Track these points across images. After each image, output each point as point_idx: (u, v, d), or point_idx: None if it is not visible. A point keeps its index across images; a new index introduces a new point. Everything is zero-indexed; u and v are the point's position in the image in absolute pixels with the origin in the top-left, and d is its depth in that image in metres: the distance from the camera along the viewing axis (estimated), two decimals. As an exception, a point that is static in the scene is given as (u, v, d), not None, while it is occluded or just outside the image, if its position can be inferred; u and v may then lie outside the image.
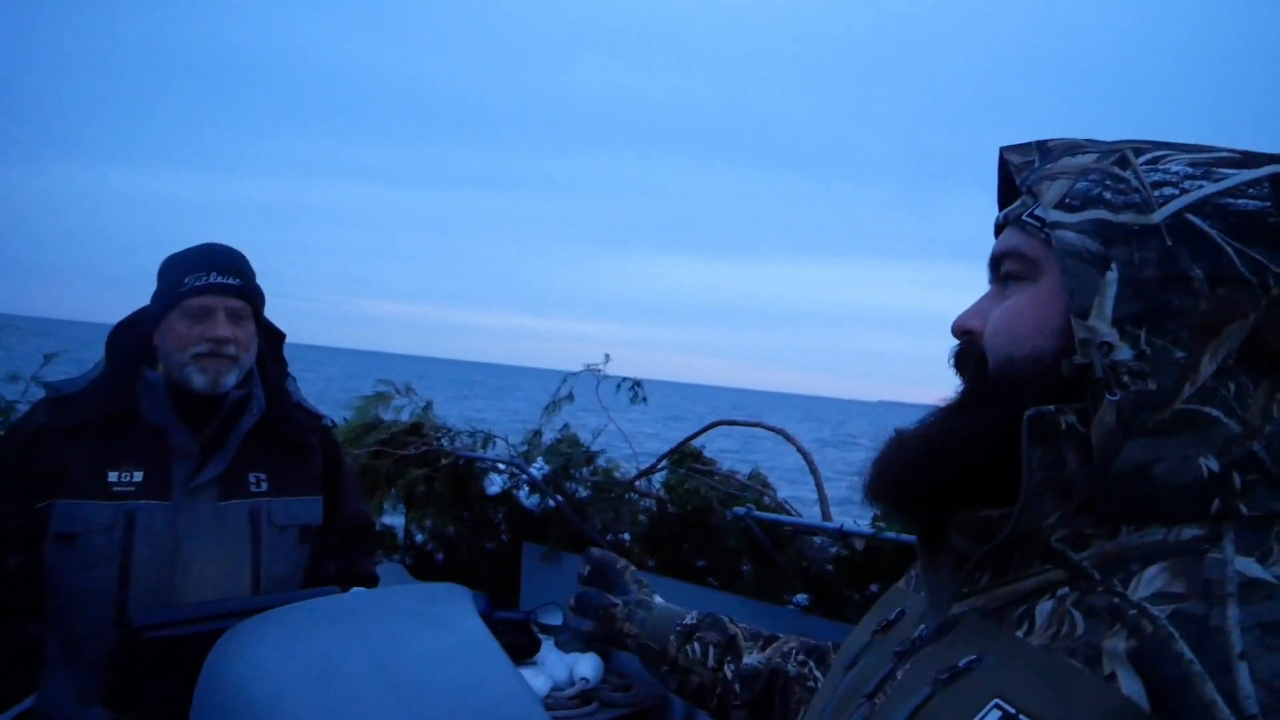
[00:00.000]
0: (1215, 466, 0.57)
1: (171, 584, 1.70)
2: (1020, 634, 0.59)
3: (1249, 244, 0.58)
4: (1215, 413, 0.57)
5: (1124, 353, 0.58)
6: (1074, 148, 0.67)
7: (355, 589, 1.64)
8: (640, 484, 3.23)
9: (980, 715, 0.56)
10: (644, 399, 3.67)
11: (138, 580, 1.68)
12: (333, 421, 3.93)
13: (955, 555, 0.69)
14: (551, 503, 3.48)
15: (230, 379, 1.77)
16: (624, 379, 3.69)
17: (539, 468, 3.46)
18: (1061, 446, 0.59)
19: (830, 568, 2.65)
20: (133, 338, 1.81)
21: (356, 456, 3.44)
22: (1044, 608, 0.59)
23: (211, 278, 1.74)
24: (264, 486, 1.84)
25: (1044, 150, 0.68)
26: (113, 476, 1.70)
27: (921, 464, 0.67)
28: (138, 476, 1.71)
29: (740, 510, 2.76)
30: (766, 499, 2.94)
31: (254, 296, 1.83)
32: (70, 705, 1.67)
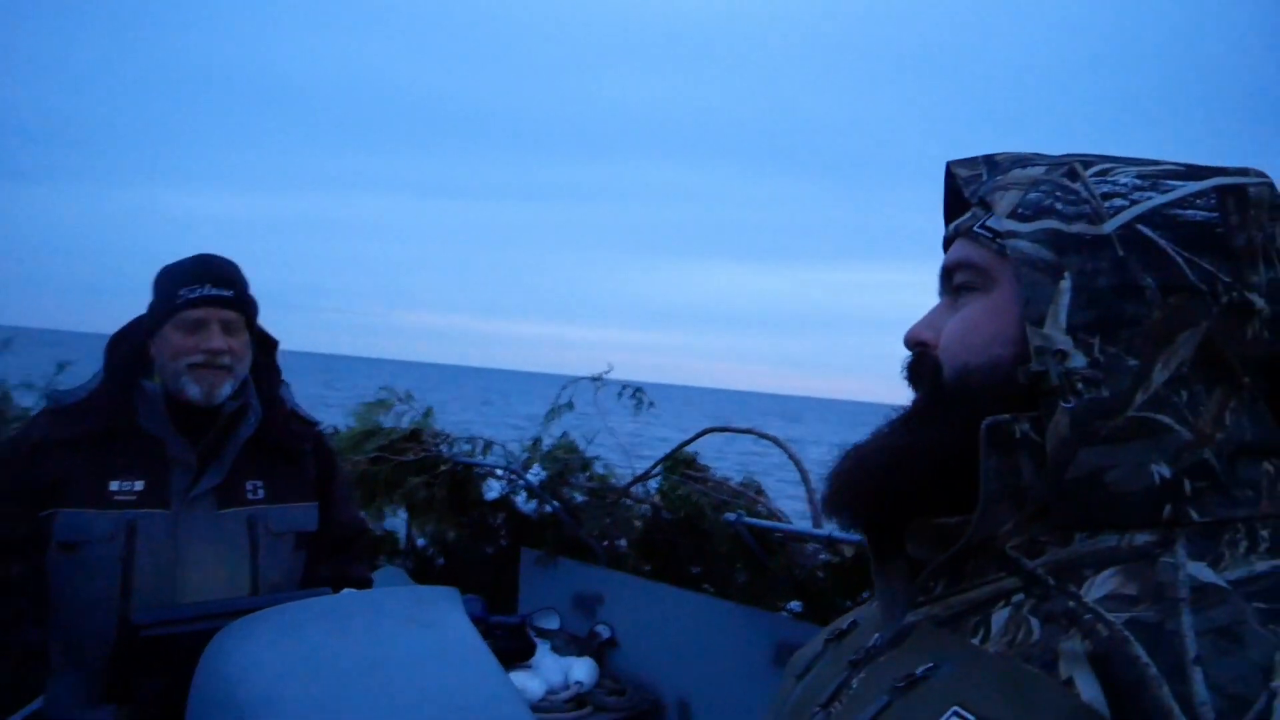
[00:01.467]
0: (1167, 473, 0.57)
1: (172, 591, 1.72)
2: (976, 641, 0.59)
3: (1198, 254, 0.59)
4: (1167, 420, 0.57)
5: (1078, 360, 0.58)
6: (1022, 160, 0.68)
7: (346, 590, 1.68)
8: (636, 490, 3.26)
9: None
10: (651, 403, 3.70)
11: (139, 588, 1.71)
12: (334, 428, 3.99)
13: (909, 564, 0.69)
14: (548, 508, 3.52)
15: (225, 389, 1.79)
16: (624, 385, 3.73)
17: (535, 474, 3.50)
18: (1017, 455, 0.60)
19: (821, 575, 2.68)
20: (129, 348, 1.83)
21: (356, 463, 3.49)
22: (1000, 615, 0.59)
23: (205, 290, 1.76)
24: (261, 494, 1.86)
25: (991, 164, 0.69)
26: (114, 486, 1.73)
27: (880, 475, 0.67)
28: (138, 486, 1.74)
29: (731, 517, 2.79)
30: (760, 506, 2.97)
31: (247, 307, 1.85)
32: (75, 709, 1.71)
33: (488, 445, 3.89)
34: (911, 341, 0.71)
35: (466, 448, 3.82)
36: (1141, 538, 0.57)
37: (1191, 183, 0.61)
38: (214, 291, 1.77)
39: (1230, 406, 0.59)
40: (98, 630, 1.69)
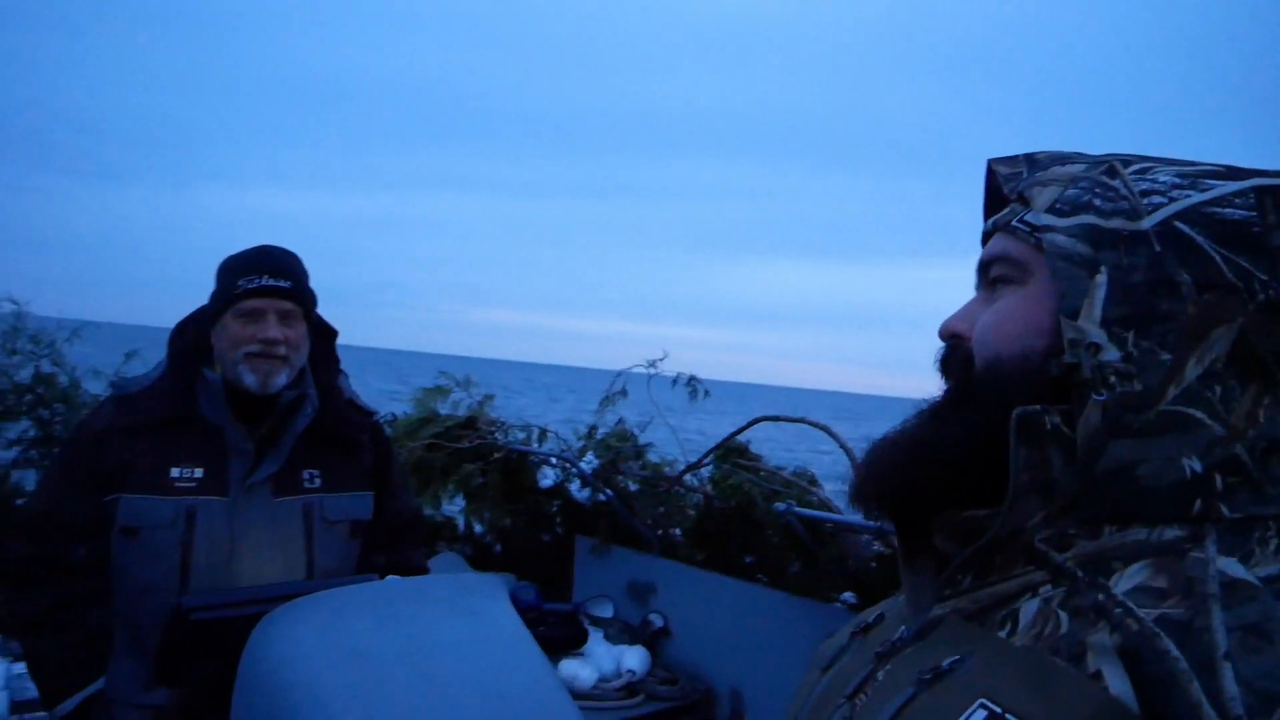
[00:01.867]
0: (1198, 468, 0.57)
1: (229, 577, 1.77)
2: (1003, 635, 0.59)
3: (1235, 251, 0.59)
4: (1199, 414, 0.57)
5: (1111, 354, 0.59)
6: (1062, 158, 0.68)
7: (391, 576, 1.69)
8: (688, 479, 3.25)
9: (966, 715, 0.55)
10: (706, 392, 3.68)
11: (197, 573, 1.75)
12: (393, 415, 4.05)
13: (936, 557, 0.69)
14: (602, 496, 3.53)
15: (280, 379, 1.81)
16: (679, 375, 3.71)
17: (589, 462, 3.51)
18: (1047, 447, 0.60)
19: (874, 566, 2.64)
20: (191, 338, 1.87)
21: (412, 449, 3.54)
22: (1028, 608, 0.59)
23: (263, 280, 1.79)
24: (317, 483, 1.89)
25: (1032, 161, 0.70)
26: (175, 473, 1.77)
27: (908, 465, 0.67)
28: (198, 473, 1.78)
29: (781, 506, 2.76)
30: (812, 496, 2.93)
31: (305, 298, 1.87)
32: (136, 689, 1.76)
33: (543, 433, 3.91)
34: (946, 333, 0.71)
35: (521, 435, 3.84)
36: (1171, 532, 0.57)
37: (1231, 182, 0.61)
38: (271, 282, 1.80)
39: (1264, 403, 0.58)
40: (157, 613, 1.74)
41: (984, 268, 0.71)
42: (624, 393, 3.63)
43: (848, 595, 2.71)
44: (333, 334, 2.04)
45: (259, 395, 1.80)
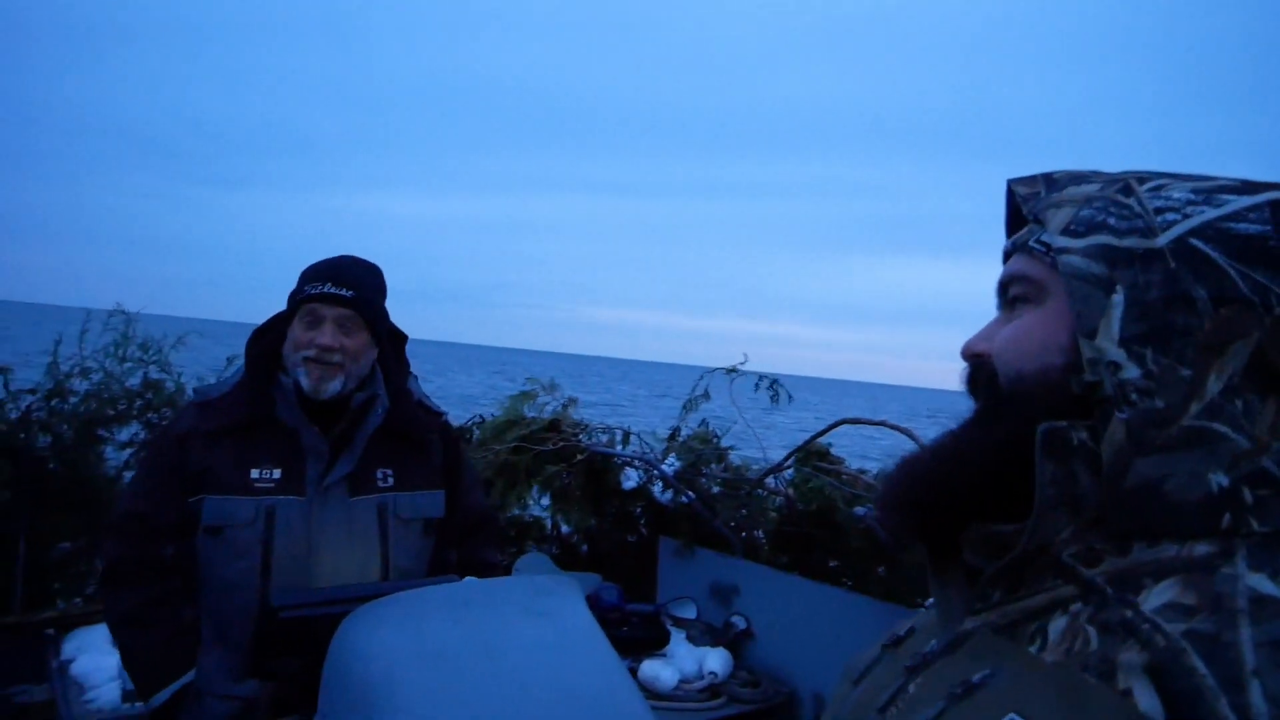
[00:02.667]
0: (1225, 482, 0.57)
1: (307, 574, 1.83)
2: (1033, 650, 0.60)
3: (1251, 266, 0.59)
4: (1223, 429, 0.57)
5: (1131, 371, 0.59)
6: (1079, 178, 0.69)
7: (469, 578, 1.73)
8: (770, 481, 3.22)
9: None
10: (790, 396, 3.65)
11: (277, 569, 1.82)
12: (480, 418, 4.14)
13: (966, 571, 0.69)
14: (684, 499, 3.53)
15: (333, 385, 1.86)
16: (761, 376, 3.69)
17: (671, 464, 3.52)
18: (1073, 462, 0.60)
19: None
20: (267, 344, 1.95)
21: (498, 451, 3.60)
22: (1057, 624, 0.59)
23: (326, 288, 1.86)
24: (390, 482, 1.95)
25: (1049, 181, 0.70)
26: (254, 474, 1.84)
27: (933, 478, 0.68)
28: (276, 474, 1.85)
29: (861, 510, 2.72)
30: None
31: (365, 308, 1.91)
32: (224, 681, 1.85)
33: (626, 435, 3.94)
34: (968, 353, 0.73)
35: (604, 438, 3.88)
36: (1201, 548, 0.57)
37: (1245, 197, 0.62)
38: (333, 290, 1.86)
39: None
40: (240, 609, 1.81)
41: (1003, 287, 0.72)
42: (706, 395, 3.63)
43: (932, 601, 2.65)
44: (403, 338, 2.11)
45: (310, 398, 1.86)
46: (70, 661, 2.85)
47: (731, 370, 3.49)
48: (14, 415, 3.27)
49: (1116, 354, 0.60)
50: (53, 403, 3.36)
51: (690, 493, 3.44)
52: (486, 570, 2.01)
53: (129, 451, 3.52)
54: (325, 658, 1.45)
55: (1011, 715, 0.56)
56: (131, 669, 1.89)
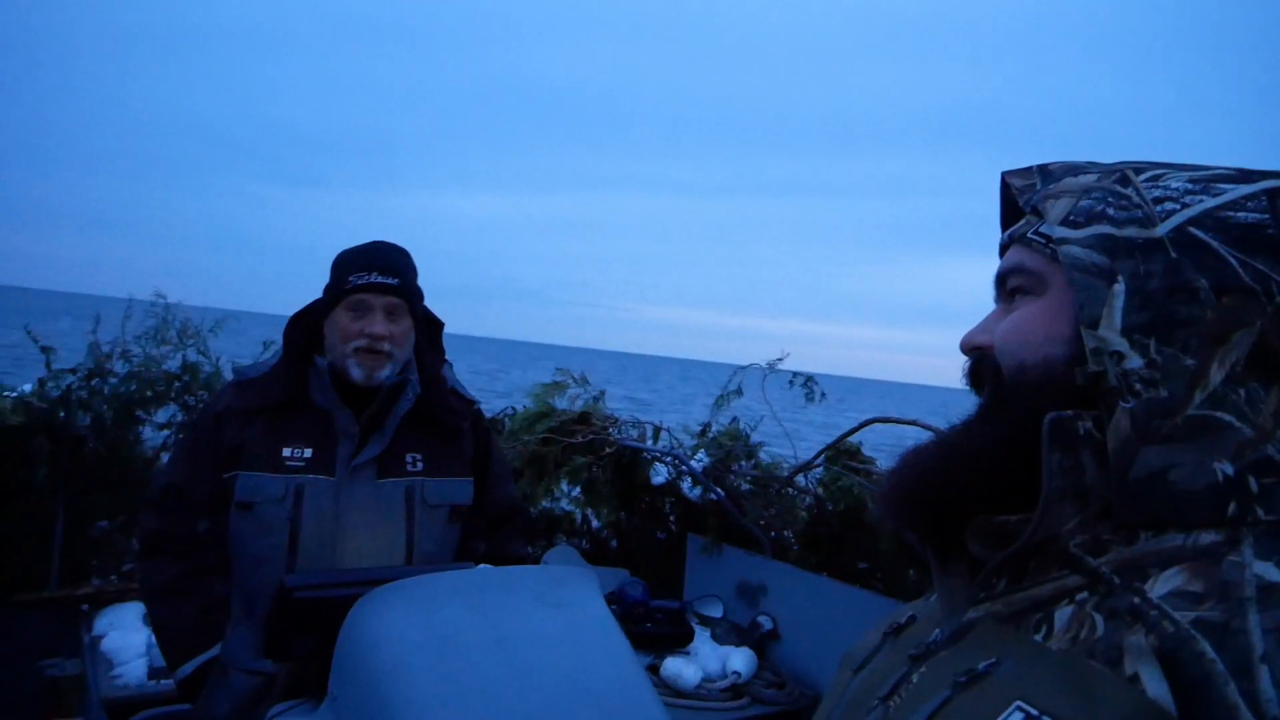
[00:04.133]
0: (1230, 470, 0.57)
1: (334, 553, 1.85)
2: (1039, 638, 0.59)
3: (1251, 254, 0.59)
4: (1227, 418, 0.58)
5: (1134, 361, 0.59)
6: (1075, 169, 0.69)
7: (483, 565, 1.72)
8: (799, 480, 3.18)
9: (1002, 717, 0.56)
10: (823, 394, 3.61)
11: (304, 547, 1.84)
12: (511, 409, 4.15)
13: (969, 561, 0.69)
14: (713, 495, 3.50)
15: (384, 372, 1.89)
16: (795, 374, 3.65)
17: (699, 460, 3.48)
18: (1080, 452, 0.60)
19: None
20: (304, 328, 1.97)
21: (527, 442, 3.60)
22: (1063, 612, 0.59)
23: (373, 277, 1.87)
24: (419, 467, 1.96)
25: (1045, 173, 0.71)
26: (286, 452, 1.87)
27: (940, 470, 0.67)
28: (307, 453, 1.88)
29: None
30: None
31: (411, 295, 1.94)
32: (249, 656, 1.87)
33: (657, 430, 3.92)
34: (968, 346, 0.72)
35: (634, 433, 3.86)
36: (1207, 537, 0.57)
37: (1243, 185, 0.62)
38: (380, 279, 1.87)
39: None
40: (267, 585, 1.83)
41: (1001, 279, 0.72)
42: (739, 392, 3.60)
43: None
44: (439, 326, 2.11)
45: (363, 385, 1.88)
46: (101, 637, 2.91)
47: (770, 366, 3.45)
48: (55, 394, 3.34)
49: (1119, 343, 0.60)
50: (93, 383, 3.42)
51: (719, 490, 3.41)
52: (514, 562, 2.00)
53: (166, 433, 3.58)
54: (337, 638, 1.45)
55: (1017, 703, 0.55)
56: (162, 640, 1.93)
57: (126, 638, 2.87)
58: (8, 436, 3.18)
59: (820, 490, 3.14)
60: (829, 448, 3.16)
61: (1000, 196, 0.78)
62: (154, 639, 2.82)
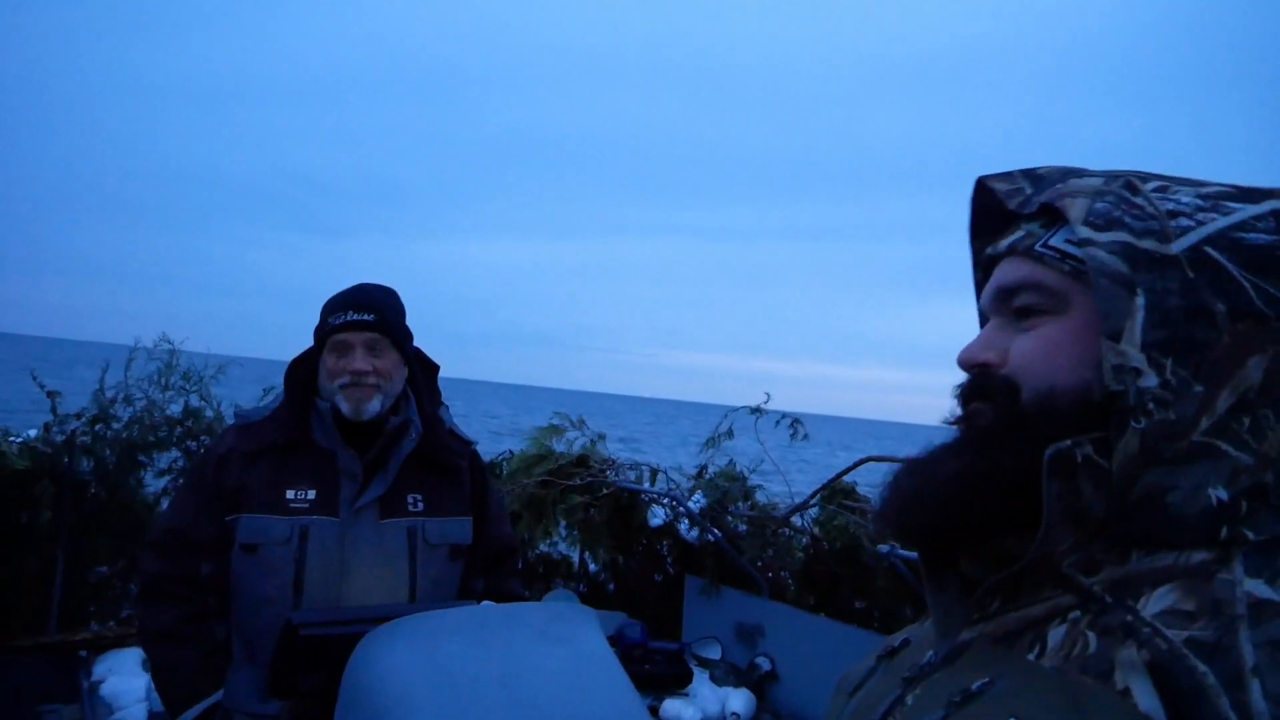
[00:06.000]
0: (1224, 496, 0.57)
1: (338, 593, 1.86)
2: (1032, 657, 0.59)
3: (1263, 278, 0.58)
4: (1226, 446, 0.57)
5: (1150, 380, 0.58)
6: (1071, 172, 0.67)
7: (485, 602, 1.75)
8: (795, 520, 3.21)
9: None
10: (806, 435, 3.64)
11: (310, 588, 1.85)
12: (509, 452, 4.17)
13: (962, 581, 0.68)
14: (710, 537, 3.52)
15: (373, 405, 1.91)
16: (783, 415, 3.68)
17: (696, 501, 3.51)
18: (1078, 479, 0.60)
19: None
20: (304, 371, 2.00)
21: (525, 485, 3.63)
22: (1056, 632, 0.59)
23: (349, 316, 1.91)
24: (420, 507, 1.98)
25: (1035, 177, 0.68)
26: (290, 494, 1.88)
27: (953, 501, 0.65)
28: (311, 494, 1.89)
29: (884, 548, 2.69)
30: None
31: (390, 329, 1.96)
32: (252, 700, 1.86)
33: (654, 473, 3.94)
34: (970, 363, 0.69)
35: (632, 475, 3.88)
36: (1199, 555, 0.57)
37: (1250, 205, 0.61)
38: (356, 316, 1.91)
39: None
40: (271, 626, 1.84)
41: (1004, 294, 0.68)
42: (730, 434, 3.64)
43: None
44: (435, 369, 2.15)
45: (353, 421, 1.90)
46: (100, 682, 2.91)
47: (758, 409, 3.49)
48: (59, 438, 3.37)
49: (1139, 359, 0.58)
50: (96, 428, 3.45)
51: (716, 530, 3.43)
52: (512, 600, 2.02)
53: (167, 479, 3.60)
54: (342, 676, 1.47)
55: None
56: (161, 685, 1.92)
57: (126, 683, 2.86)
58: (13, 481, 3.20)
59: (816, 530, 3.16)
60: (824, 487, 3.19)
61: (972, 204, 0.75)
62: (153, 684, 2.82)
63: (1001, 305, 0.69)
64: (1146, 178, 0.64)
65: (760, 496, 3.50)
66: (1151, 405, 0.58)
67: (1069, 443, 0.60)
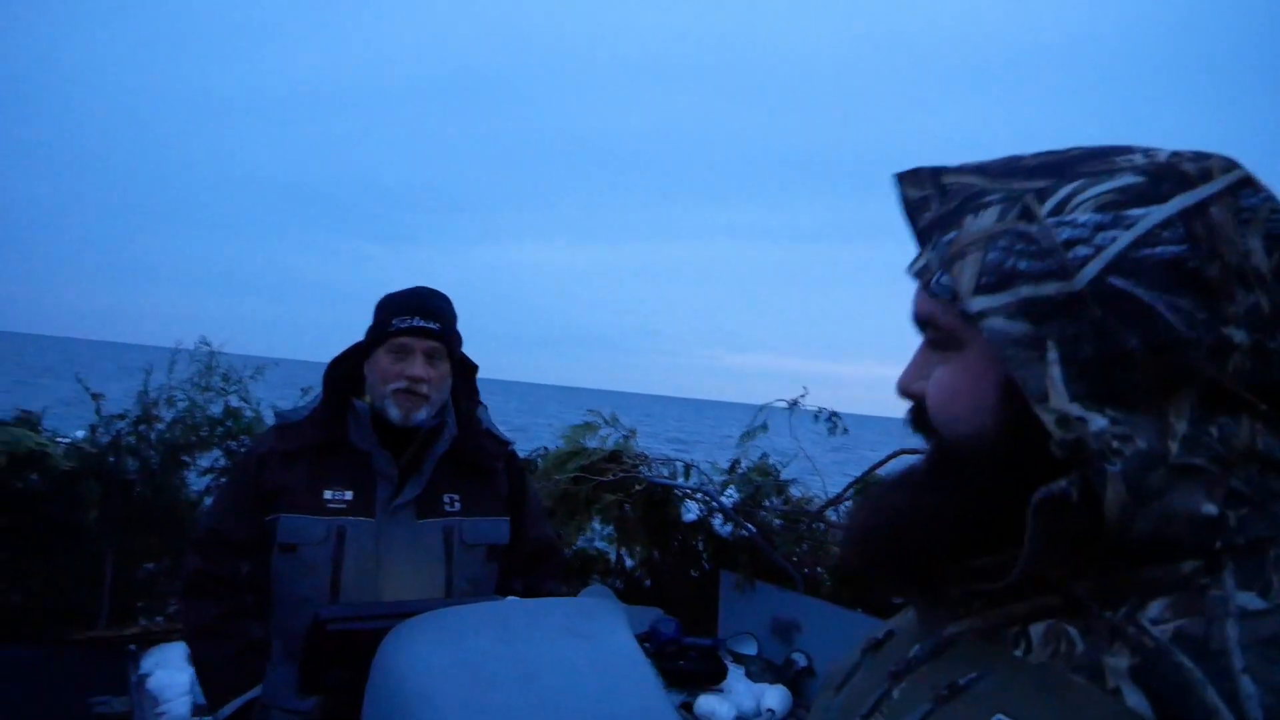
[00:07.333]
0: (1214, 511, 0.56)
1: (375, 593, 1.88)
2: (1019, 653, 0.59)
3: (1176, 294, 0.55)
4: (1200, 462, 0.56)
5: (1099, 422, 0.56)
6: (972, 198, 0.63)
7: (510, 597, 1.76)
8: (830, 514, 3.19)
9: None
10: (845, 429, 3.62)
11: (346, 588, 1.88)
12: (544, 449, 4.20)
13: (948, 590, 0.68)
14: (744, 532, 3.51)
15: (421, 414, 1.94)
16: (820, 409, 3.66)
17: (730, 496, 3.50)
18: (1061, 520, 0.57)
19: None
20: (344, 372, 2.03)
21: (558, 481, 3.65)
22: (1038, 627, 0.59)
23: (415, 321, 1.93)
24: (457, 507, 2.00)
25: (941, 190, 0.65)
26: (327, 495, 1.91)
27: (898, 539, 0.65)
28: (348, 495, 1.92)
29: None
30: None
31: (450, 339, 1.99)
32: (290, 697, 1.90)
33: (688, 468, 3.94)
34: (904, 393, 0.69)
35: (665, 470, 3.89)
36: (1189, 564, 0.56)
37: (1155, 208, 0.57)
38: (422, 323, 1.93)
39: (1258, 429, 0.58)
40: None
41: (917, 322, 0.67)
42: (764, 427, 3.62)
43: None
44: (473, 369, 2.16)
45: (399, 427, 1.93)
46: (148, 675, 2.98)
47: (792, 404, 3.47)
48: (105, 440, 3.46)
49: (1075, 409, 0.56)
50: (140, 429, 3.54)
51: (750, 526, 3.42)
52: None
53: (209, 478, 3.68)
54: (369, 671, 1.49)
55: (998, 716, 0.56)
56: (203, 679, 1.97)
57: (171, 676, 2.94)
58: (61, 480, 3.30)
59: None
60: (857, 481, 3.17)
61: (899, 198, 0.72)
62: (195, 678, 2.89)
63: (921, 330, 0.68)
64: (1045, 193, 0.59)
65: (794, 491, 3.49)
66: (1115, 444, 0.55)
67: (1059, 487, 0.57)
